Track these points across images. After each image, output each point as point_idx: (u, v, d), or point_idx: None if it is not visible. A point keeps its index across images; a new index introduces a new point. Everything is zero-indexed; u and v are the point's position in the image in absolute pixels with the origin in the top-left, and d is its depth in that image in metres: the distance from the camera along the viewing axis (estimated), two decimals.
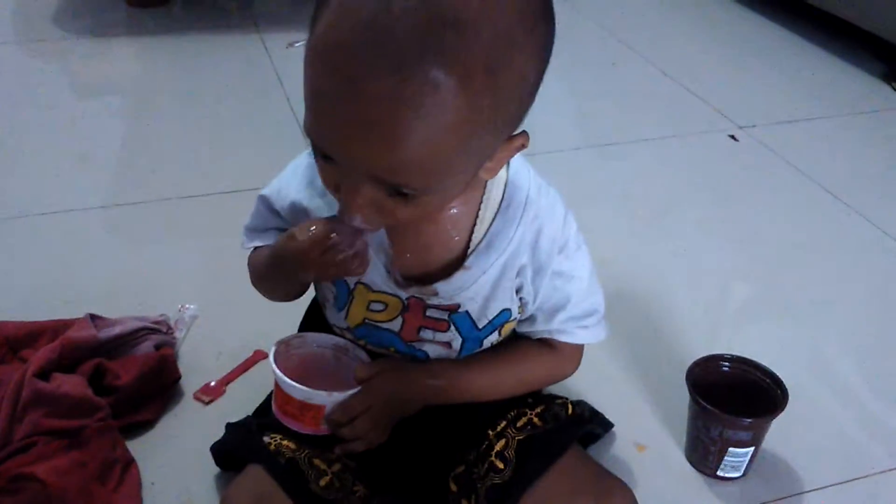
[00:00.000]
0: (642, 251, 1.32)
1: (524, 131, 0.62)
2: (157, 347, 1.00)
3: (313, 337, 0.81)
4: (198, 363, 1.05)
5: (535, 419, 0.82)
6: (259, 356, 1.06)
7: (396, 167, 0.55)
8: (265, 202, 0.79)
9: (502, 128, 0.59)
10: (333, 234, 0.65)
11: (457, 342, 0.78)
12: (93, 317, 1.01)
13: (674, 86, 1.91)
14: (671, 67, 1.98)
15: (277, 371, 0.73)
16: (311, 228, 0.66)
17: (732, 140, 1.68)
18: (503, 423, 0.82)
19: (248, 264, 0.83)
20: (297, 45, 1.97)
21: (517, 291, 0.76)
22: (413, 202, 0.59)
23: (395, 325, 0.78)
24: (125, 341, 0.98)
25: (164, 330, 1.05)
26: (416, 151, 0.53)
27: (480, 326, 0.77)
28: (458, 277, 0.73)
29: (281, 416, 0.75)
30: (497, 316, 0.76)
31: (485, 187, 0.72)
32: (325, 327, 0.83)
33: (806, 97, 1.89)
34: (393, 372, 0.77)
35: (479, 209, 0.73)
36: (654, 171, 1.57)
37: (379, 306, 0.76)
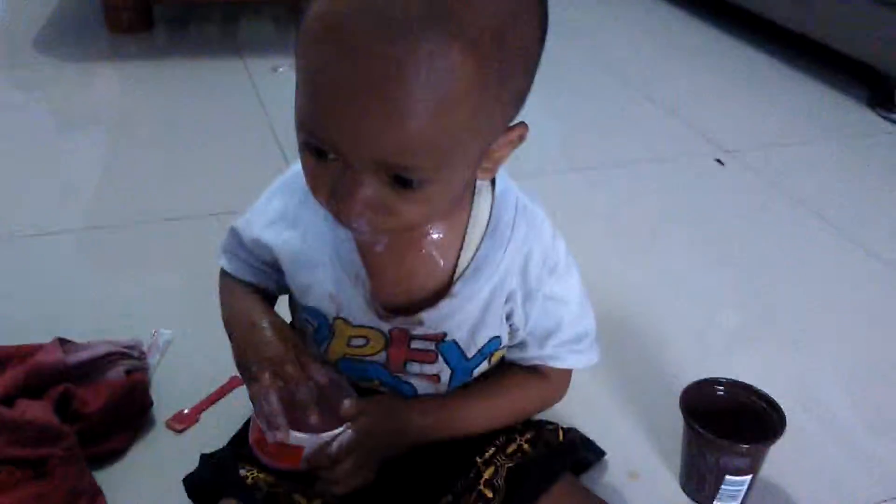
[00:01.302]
0: (630, 275, 1.29)
1: (523, 122, 0.60)
2: (129, 373, 0.96)
3: None
4: (171, 390, 1.00)
5: (526, 445, 0.79)
6: (235, 383, 1.02)
7: (404, 143, 0.52)
8: (235, 235, 0.77)
9: (507, 105, 0.57)
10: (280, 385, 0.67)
11: (445, 374, 0.74)
12: (61, 340, 0.96)
13: (658, 111, 1.90)
14: (655, 94, 1.97)
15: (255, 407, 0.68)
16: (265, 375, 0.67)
17: (719, 164, 1.66)
18: (492, 450, 0.78)
19: (220, 290, 0.81)
20: (280, 70, 1.95)
21: (507, 318, 0.73)
22: (417, 195, 0.56)
23: (380, 360, 0.74)
24: (94, 366, 0.94)
25: (136, 355, 1.00)
26: (425, 123, 0.51)
27: (470, 356, 0.73)
28: (445, 306, 0.70)
29: (257, 452, 0.70)
30: (487, 344, 0.73)
31: (470, 210, 0.69)
32: None
33: (791, 122, 1.88)
34: (382, 412, 0.72)
35: (466, 233, 0.69)
36: (639, 195, 1.56)
37: (360, 341, 0.73)
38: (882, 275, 1.34)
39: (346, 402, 0.69)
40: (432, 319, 0.70)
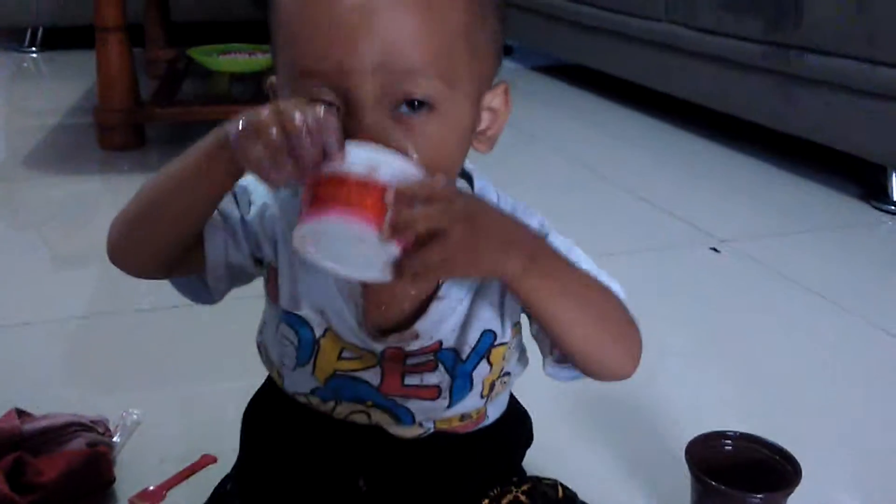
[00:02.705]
0: None
1: (503, 81, 0.62)
2: (91, 446, 0.89)
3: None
4: (137, 469, 0.93)
5: (523, 497, 0.72)
6: (207, 461, 0.95)
7: (408, 41, 0.53)
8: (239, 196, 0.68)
9: (491, 42, 0.60)
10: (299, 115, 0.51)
11: (445, 383, 0.67)
12: (19, 412, 0.90)
13: (649, 207, 1.89)
14: (644, 192, 1.97)
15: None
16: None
17: (714, 252, 1.63)
18: (486, 502, 0.72)
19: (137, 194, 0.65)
20: None
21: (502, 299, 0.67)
22: (424, 124, 0.55)
23: (374, 378, 0.67)
24: (53, 436, 0.87)
25: (101, 430, 0.94)
26: (425, 17, 0.54)
27: (465, 357, 0.67)
28: (434, 310, 0.65)
29: (321, 208, 0.50)
30: (480, 341, 0.67)
31: None
32: (283, 410, 0.73)
33: (785, 216, 1.87)
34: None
35: None
36: (638, 280, 1.50)
37: (351, 354, 0.67)
38: (890, 347, 1.28)
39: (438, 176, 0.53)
40: (426, 328, 0.65)
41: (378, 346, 0.66)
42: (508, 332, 0.68)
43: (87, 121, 2.27)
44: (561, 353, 0.66)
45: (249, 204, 0.67)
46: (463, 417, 0.71)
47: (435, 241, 0.50)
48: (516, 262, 0.55)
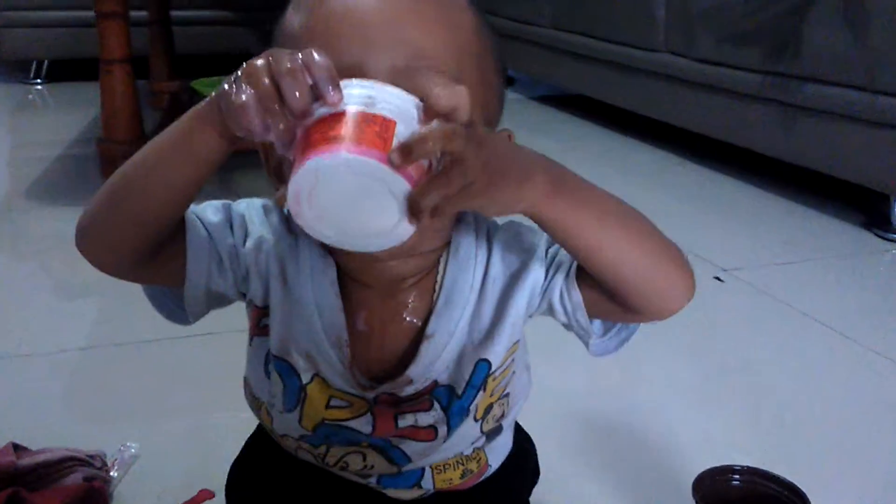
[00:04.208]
0: (634, 383, 1.22)
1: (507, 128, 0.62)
2: (87, 480, 0.88)
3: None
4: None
5: None
6: (204, 495, 0.93)
7: (426, 49, 0.54)
8: (226, 208, 0.64)
9: (493, 75, 0.61)
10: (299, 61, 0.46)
11: (442, 421, 0.64)
12: (15, 446, 0.89)
13: None
14: None
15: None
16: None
17: (718, 281, 1.62)
18: None
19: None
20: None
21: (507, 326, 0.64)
22: None
23: (365, 426, 0.64)
24: (49, 471, 0.86)
25: (98, 465, 0.92)
26: (438, 23, 0.56)
27: (460, 392, 0.63)
28: (425, 351, 0.62)
29: (316, 148, 0.44)
30: (474, 373, 0.63)
31: (444, 248, 0.63)
32: (275, 456, 0.71)
33: (788, 244, 1.86)
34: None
35: (437, 273, 0.63)
36: None
37: (341, 402, 0.64)
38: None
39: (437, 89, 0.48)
40: (420, 372, 0.62)
41: (370, 395, 0.63)
42: (501, 356, 0.64)
43: (90, 152, 2.27)
44: (603, 324, 0.64)
45: (246, 235, 0.62)
46: (464, 474, 0.68)
47: (452, 166, 0.46)
48: (539, 187, 0.51)
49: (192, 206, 0.61)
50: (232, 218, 0.63)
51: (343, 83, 0.46)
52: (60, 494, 0.83)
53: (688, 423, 1.12)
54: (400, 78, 0.50)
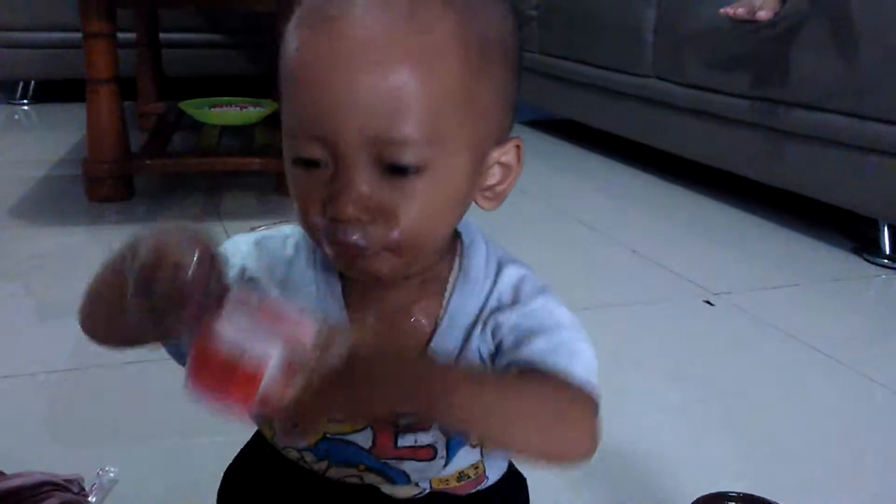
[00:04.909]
0: (623, 407, 1.20)
1: (517, 136, 0.60)
2: None
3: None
4: None
5: None
6: None
7: (394, 110, 0.52)
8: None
9: (493, 100, 0.57)
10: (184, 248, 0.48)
11: (441, 441, 0.63)
12: None
13: (641, 260, 1.88)
14: (636, 245, 1.96)
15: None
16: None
17: (708, 305, 1.62)
18: None
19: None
20: (259, 230, 1.93)
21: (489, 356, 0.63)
22: (411, 187, 0.54)
23: (365, 441, 0.63)
24: (26, 496, 0.83)
25: (76, 490, 0.90)
26: (411, 84, 0.51)
27: None
28: None
29: (196, 389, 0.48)
30: None
31: (451, 267, 0.64)
32: (271, 460, 0.69)
33: (777, 269, 1.86)
34: (368, 339, 0.56)
35: (444, 290, 0.63)
36: (632, 333, 1.50)
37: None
38: (889, 402, 1.26)
39: (323, 327, 0.49)
40: None
41: None
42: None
43: (75, 172, 2.25)
44: None
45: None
46: (461, 477, 0.68)
47: (312, 396, 0.47)
48: (417, 405, 0.51)
49: None
50: None
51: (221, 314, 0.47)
52: None
53: (678, 446, 1.11)
54: (371, 148, 0.52)
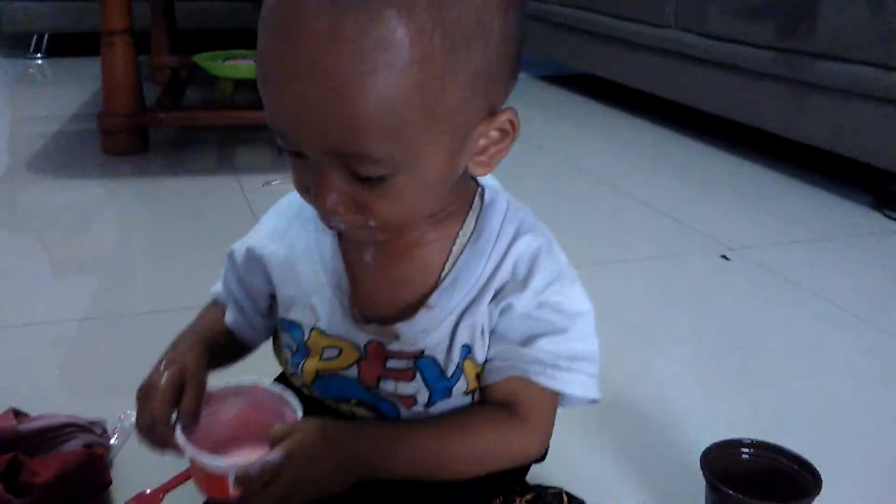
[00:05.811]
0: (640, 361, 1.21)
1: (510, 107, 0.58)
2: (87, 447, 0.87)
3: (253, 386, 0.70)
4: (134, 473, 0.91)
5: None
6: None
7: (350, 128, 0.50)
8: (231, 257, 0.76)
9: (468, 85, 0.53)
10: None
11: (423, 395, 0.66)
12: (16, 412, 0.88)
13: (658, 215, 1.86)
14: (653, 200, 1.95)
15: (179, 434, 0.66)
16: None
17: (724, 259, 1.61)
18: None
19: None
20: (273, 183, 1.93)
21: (490, 332, 0.66)
22: (386, 189, 0.54)
23: (352, 375, 0.68)
24: (50, 437, 0.85)
25: (98, 432, 0.91)
26: (364, 99, 0.49)
27: (449, 374, 0.66)
28: (421, 318, 0.65)
29: (196, 483, 0.67)
30: (461, 356, 0.66)
31: (464, 219, 0.66)
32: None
33: (795, 223, 1.84)
34: (313, 433, 0.62)
35: (454, 243, 0.65)
36: (648, 288, 1.50)
37: (333, 352, 0.67)
38: None
39: (277, 425, 0.63)
40: (408, 333, 0.64)
41: (361, 338, 0.66)
42: (479, 349, 0.66)
43: (90, 126, 2.25)
44: None
45: (238, 265, 0.75)
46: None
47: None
48: (352, 472, 0.62)
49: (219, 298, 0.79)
50: (226, 265, 0.77)
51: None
52: (60, 460, 0.82)
53: (694, 401, 1.11)
54: (334, 158, 0.53)
